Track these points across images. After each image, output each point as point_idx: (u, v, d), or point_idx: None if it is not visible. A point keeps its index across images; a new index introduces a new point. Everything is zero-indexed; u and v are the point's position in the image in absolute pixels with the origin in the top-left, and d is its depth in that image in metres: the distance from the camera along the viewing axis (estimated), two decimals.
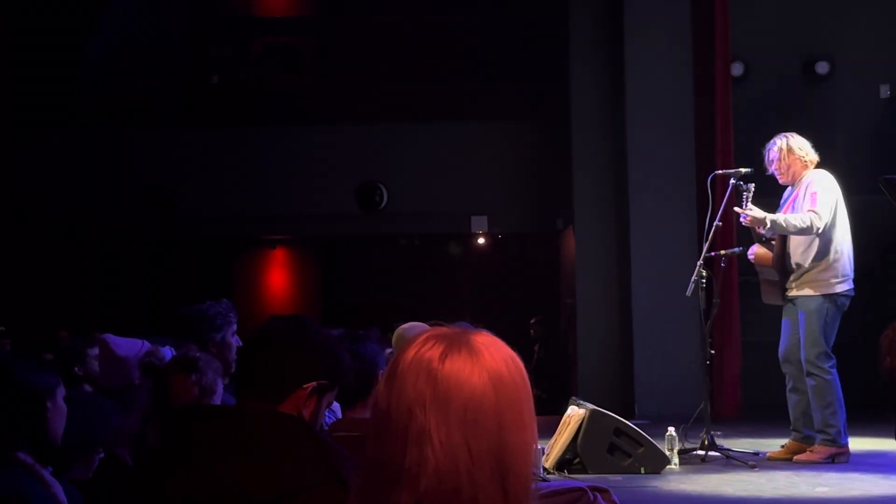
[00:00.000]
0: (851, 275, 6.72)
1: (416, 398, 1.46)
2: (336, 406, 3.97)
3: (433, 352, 1.49)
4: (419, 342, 1.51)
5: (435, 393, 1.46)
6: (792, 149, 6.78)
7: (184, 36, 14.87)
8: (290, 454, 2.20)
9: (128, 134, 13.35)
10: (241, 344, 4.69)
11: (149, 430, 3.24)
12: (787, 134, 6.88)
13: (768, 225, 6.66)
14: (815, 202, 6.61)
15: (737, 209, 6.73)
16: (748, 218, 6.67)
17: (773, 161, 6.84)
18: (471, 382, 1.47)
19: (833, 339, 6.68)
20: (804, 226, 6.58)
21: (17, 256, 13.32)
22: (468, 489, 1.43)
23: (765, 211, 6.71)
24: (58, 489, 2.90)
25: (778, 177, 6.89)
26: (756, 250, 6.93)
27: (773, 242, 6.86)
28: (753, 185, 6.72)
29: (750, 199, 6.66)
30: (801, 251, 6.71)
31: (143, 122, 13.63)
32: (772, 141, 6.89)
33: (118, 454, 3.41)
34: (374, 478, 1.47)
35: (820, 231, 6.59)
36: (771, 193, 7.18)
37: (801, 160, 6.78)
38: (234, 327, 4.71)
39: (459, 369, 1.47)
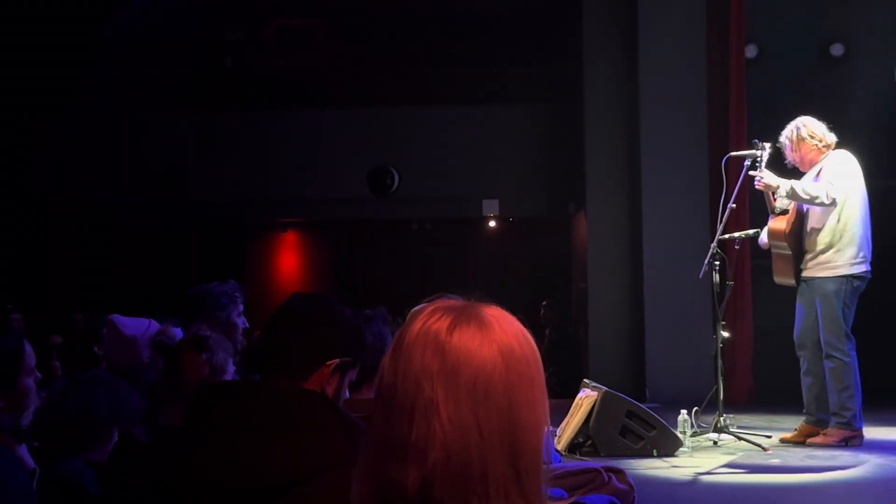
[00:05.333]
0: (869, 257, 6.63)
1: (424, 370, 1.39)
2: None
3: (441, 323, 1.42)
4: (426, 314, 1.44)
5: (443, 365, 1.38)
6: (803, 137, 6.67)
7: (197, 20, 14.85)
8: (316, 432, 2.19)
9: (141, 118, 13.36)
10: (246, 325, 4.69)
11: (160, 408, 3.25)
12: (798, 122, 6.74)
13: (781, 192, 6.56)
14: (831, 176, 6.53)
15: (751, 172, 6.61)
16: (761, 182, 6.57)
17: (786, 153, 6.75)
18: (480, 354, 1.39)
19: (852, 320, 6.59)
20: (818, 194, 6.46)
21: (31, 241, 13.36)
22: (478, 466, 1.36)
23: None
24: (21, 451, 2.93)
25: (798, 166, 6.80)
26: (769, 225, 6.84)
27: (787, 216, 6.76)
28: (770, 145, 6.60)
29: (765, 162, 6.58)
30: (817, 231, 6.61)
31: (157, 106, 13.63)
32: (783, 132, 6.78)
33: (132, 434, 3.42)
34: (380, 454, 1.40)
35: (835, 202, 6.49)
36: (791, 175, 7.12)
37: (815, 147, 6.67)
38: (241, 308, 4.68)
39: (468, 341, 1.40)
